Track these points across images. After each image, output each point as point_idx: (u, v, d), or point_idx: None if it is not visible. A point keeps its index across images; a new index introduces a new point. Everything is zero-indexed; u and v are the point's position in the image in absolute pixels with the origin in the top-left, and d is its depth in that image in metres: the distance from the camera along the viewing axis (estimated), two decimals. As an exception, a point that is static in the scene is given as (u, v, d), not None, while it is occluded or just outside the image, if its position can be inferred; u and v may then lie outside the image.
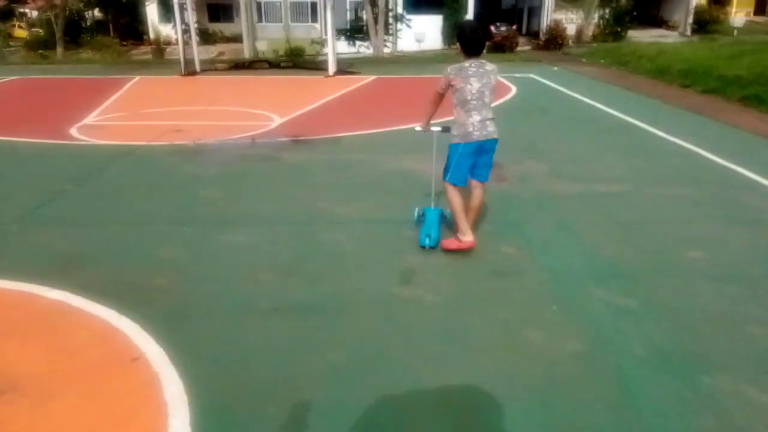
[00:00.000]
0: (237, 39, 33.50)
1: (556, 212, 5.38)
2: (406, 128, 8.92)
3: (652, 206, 5.55)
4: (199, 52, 32.39)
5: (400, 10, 28.61)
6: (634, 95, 12.33)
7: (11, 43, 28.53)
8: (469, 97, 4.27)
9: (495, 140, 4.44)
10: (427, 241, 4.52)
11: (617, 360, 3.04)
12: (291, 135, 8.59)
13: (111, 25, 32.15)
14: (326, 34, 16.42)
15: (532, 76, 15.34)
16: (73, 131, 8.92)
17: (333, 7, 16.42)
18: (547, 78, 14.79)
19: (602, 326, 3.37)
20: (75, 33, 26.92)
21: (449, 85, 4.33)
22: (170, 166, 7.08)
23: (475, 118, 4.33)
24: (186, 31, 16.92)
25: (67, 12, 26.43)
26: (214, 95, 12.44)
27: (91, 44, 25.71)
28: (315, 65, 17.61)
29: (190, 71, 16.27)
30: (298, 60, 18.69)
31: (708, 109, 10.43)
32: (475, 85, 4.26)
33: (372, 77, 15.63)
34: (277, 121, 9.70)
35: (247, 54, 31.26)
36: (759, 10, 38.05)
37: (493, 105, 4.49)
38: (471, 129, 4.33)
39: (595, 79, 14.79)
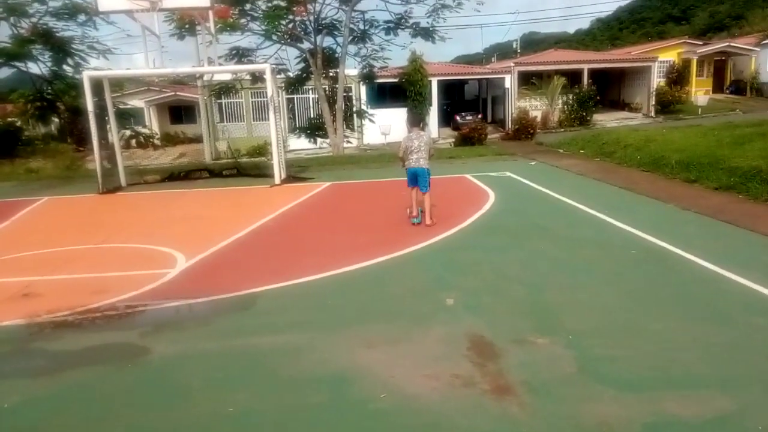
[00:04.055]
0: (200, 139, 31.88)
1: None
2: (360, 267, 6.44)
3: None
4: (158, 155, 31.03)
5: (363, 105, 27.24)
6: (636, 197, 10.14)
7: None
8: (413, 149, 8.41)
9: (423, 168, 8.45)
10: None
11: None
12: (182, 296, 5.95)
13: (68, 131, 30.27)
14: (272, 139, 14.18)
15: (509, 174, 13.20)
16: None
17: (277, 110, 14.37)
18: (527, 176, 12.63)
19: None
20: (11, 145, 24.76)
21: (405, 146, 8.50)
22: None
23: (413, 156, 8.41)
24: (103, 143, 14.61)
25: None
26: (118, 224, 9.83)
27: (44, 152, 23.74)
28: (262, 171, 15.32)
29: (110, 188, 13.77)
30: (243, 167, 16.39)
31: (744, 217, 8.17)
32: (416, 143, 8.43)
33: (325, 184, 13.31)
34: (178, 266, 7.08)
35: (207, 155, 29.42)
36: (716, 88, 38.30)
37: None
38: (412, 163, 8.45)
39: (582, 175, 12.68)
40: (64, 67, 19.55)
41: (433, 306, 5.41)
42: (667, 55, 36.72)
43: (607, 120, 30.64)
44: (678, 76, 35.55)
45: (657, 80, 33.41)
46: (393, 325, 5.02)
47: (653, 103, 32.63)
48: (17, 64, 19.20)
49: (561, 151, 17.44)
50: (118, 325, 5.33)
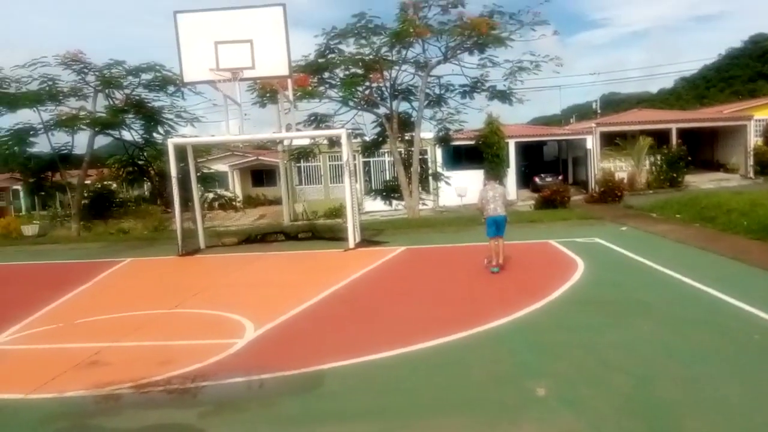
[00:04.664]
0: (279, 201, 32.77)
1: None
2: (436, 344, 5.86)
3: None
4: (239, 216, 32.07)
5: (438, 168, 27.06)
6: (748, 269, 9.01)
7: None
8: (489, 199, 9.61)
9: (502, 215, 9.60)
10: None
11: None
12: (247, 370, 5.55)
13: (158, 194, 32.02)
14: (346, 203, 14.04)
15: (597, 240, 12.28)
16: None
17: (352, 174, 14.33)
18: (619, 243, 11.66)
19: None
20: (106, 207, 26.25)
21: (482, 197, 9.85)
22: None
23: (491, 206, 9.54)
24: (190, 205, 15.01)
25: (96, 188, 25.98)
26: (192, 288, 9.76)
27: (135, 213, 25.07)
28: (336, 235, 15.16)
29: (189, 250, 13.99)
30: (318, 230, 16.33)
31: None
32: (490, 193, 9.69)
33: (400, 248, 12.90)
34: (246, 335, 6.76)
35: (285, 217, 30.04)
36: (815, 146, 35.35)
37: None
38: (491, 212, 9.54)
39: (681, 243, 11.56)
40: (155, 134, 20.72)
41: (521, 396, 4.72)
42: (764, 113, 34.52)
43: (700, 181, 28.79)
44: (776, 135, 33.21)
45: (754, 139, 31.31)
46: (475, 418, 4.38)
47: (751, 163, 30.51)
48: (111, 132, 20.50)
49: (654, 215, 16.24)
50: (179, 403, 4.97)
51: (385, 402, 4.77)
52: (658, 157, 28.68)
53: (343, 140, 14.32)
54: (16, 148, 20.11)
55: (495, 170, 26.33)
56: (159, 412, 4.78)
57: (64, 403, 5.07)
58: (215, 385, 5.31)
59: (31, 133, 20.26)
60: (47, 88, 19.34)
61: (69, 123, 19.94)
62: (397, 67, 20.55)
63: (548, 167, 36.25)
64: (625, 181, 26.64)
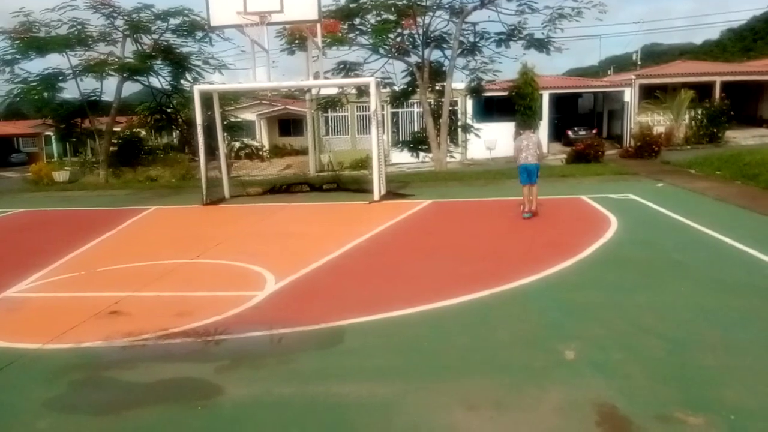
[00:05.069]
0: (306, 151, 32.57)
1: None
2: (461, 302, 5.68)
3: None
4: (265, 166, 31.99)
5: (468, 120, 26.39)
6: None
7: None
8: (522, 148, 10.13)
9: (534, 164, 10.06)
10: None
11: None
12: (265, 325, 5.45)
13: (185, 142, 32.14)
14: (372, 153, 13.72)
15: (632, 196, 11.80)
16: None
17: (379, 125, 13.95)
18: (655, 200, 11.17)
19: None
20: (134, 154, 26.38)
21: (517, 146, 10.40)
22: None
23: (523, 154, 10.04)
24: (217, 154, 14.90)
25: (125, 135, 26.09)
26: (215, 238, 9.69)
27: (164, 161, 25.26)
28: (362, 186, 14.93)
29: (214, 200, 13.95)
30: (343, 181, 16.10)
31: None
32: (525, 142, 10.17)
33: (426, 202, 12.62)
34: (267, 288, 6.66)
35: (311, 167, 29.89)
36: None
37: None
38: (522, 159, 10.03)
39: (722, 201, 11.02)
40: (183, 81, 20.50)
41: (549, 359, 4.51)
42: (815, 66, 32.56)
43: (742, 137, 27.54)
44: (826, 90, 31.44)
45: (803, 94, 29.69)
46: (500, 381, 4.19)
47: (798, 119, 29.05)
48: (140, 78, 20.34)
49: (692, 171, 15.54)
50: (195, 356, 4.90)
51: (405, 362, 4.61)
52: (699, 112, 27.46)
53: (372, 89, 13.89)
54: (45, 93, 20.17)
55: (528, 122, 25.57)
56: (175, 366, 4.72)
57: (80, 354, 5.04)
58: (233, 338, 5.23)
59: (60, 78, 20.28)
60: (76, 33, 19.22)
61: (97, 68, 19.88)
62: (431, 13, 19.75)
63: (582, 120, 35.12)
64: (663, 136, 25.64)
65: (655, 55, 69.31)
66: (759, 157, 14.43)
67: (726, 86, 28.88)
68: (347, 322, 5.43)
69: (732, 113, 27.77)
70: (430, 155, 21.51)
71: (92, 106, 21.45)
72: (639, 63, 46.60)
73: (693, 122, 27.63)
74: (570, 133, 30.16)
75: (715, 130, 27.12)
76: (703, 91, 28.05)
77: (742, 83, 30.73)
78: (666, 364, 4.34)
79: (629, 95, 29.10)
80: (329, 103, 23.69)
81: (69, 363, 4.86)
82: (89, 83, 21.41)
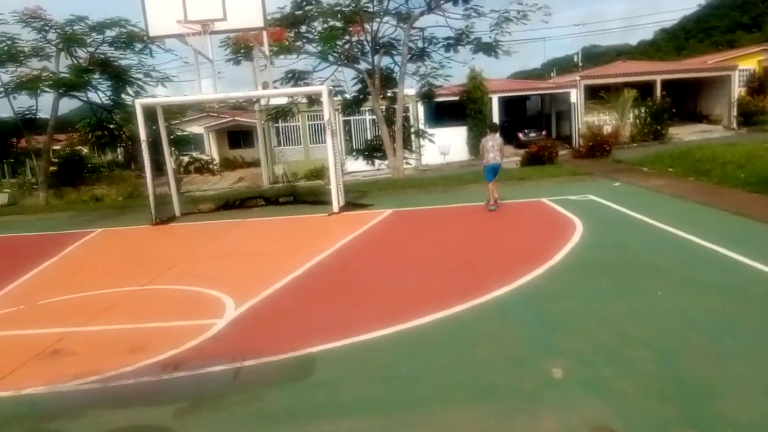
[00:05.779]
0: (258, 163, 31.75)
1: None
2: (435, 320, 5.37)
3: None
4: (216, 180, 31.05)
5: (421, 125, 26.32)
6: (754, 224, 8.60)
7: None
8: (489, 148, 11.21)
9: (499, 163, 11.27)
10: None
11: None
12: (227, 357, 4.98)
13: (131, 158, 30.86)
14: (329, 163, 13.31)
15: (591, 197, 11.81)
16: None
17: (334, 134, 13.58)
18: (614, 199, 11.19)
19: None
20: (76, 173, 25.08)
21: (483, 146, 11.45)
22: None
23: (491, 155, 11.13)
24: (160, 169, 14.19)
25: (65, 153, 24.84)
26: (166, 261, 9.08)
27: (109, 179, 24.11)
28: (319, 198, 14.50)
29: (164, 218, 13.25)
30: (299, 193, 15.63)
31: None
32: (490, 143, 11.24)
33: (387, 211, 12.31)
34: (226, 314, 6.18)
35: (264, 179, 29.14)
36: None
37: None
38: (491, 159, 11.16)
39: (678, 198, 11.14)
40: (124, 95, 19.58)
41: (537, 379, 4.23)
42: (746, 63, 34.13)
43: (684, 133, 28.53)
44: (759, 85, 32.96)
45: (738, 90, 30.98)
46: (488, 409, 3.88)
47: (735, 114, 30.28)
48: (77, 94, 19.32)
49: (645, 169, 15.80)
50: (151, 399, 4.40)
51: (383, 392, 4.25)
52: (643, 110, 28.27)
53: (324, 98, 13.51)
54: (-25, 112, 18.90)
55: (480, 127, 25.76)
56: (128, 412, 4.21)
57: (20, 402, 4.47)
58: (192, 375, 4.74)
59: (-10, 96, 19.04)
60: (6, 48, 18.09)
61: (31, 85, 18.75)
62: (378, 19, 19.57)
63: (531, 122, 35.68)
64: (610, 135, 26.22)
65: (594, 56, 71.40)
66: (709, 152, 14.78)
67: (666, 84, 29.87)
68: (316, 349, 5.03)
69: (674, 110, 28.74)
70: (386, 163, 21.26)
71: (28, 124, 20.25)
72: (580, 64, 47.81)
73: (637, 120, 28.43)
74: (521, 135, 30.53)
75: (659, 128, 27.99)
76: (644, 90, 28.91)
77: (680, 81, 31.87)
78: (658, 378, 4.13)
79: (575, 96, 29.72)
80: (280, 113, 23.15)
81: (7, 414, 4.29)
82: (23, 101, 20.25)
